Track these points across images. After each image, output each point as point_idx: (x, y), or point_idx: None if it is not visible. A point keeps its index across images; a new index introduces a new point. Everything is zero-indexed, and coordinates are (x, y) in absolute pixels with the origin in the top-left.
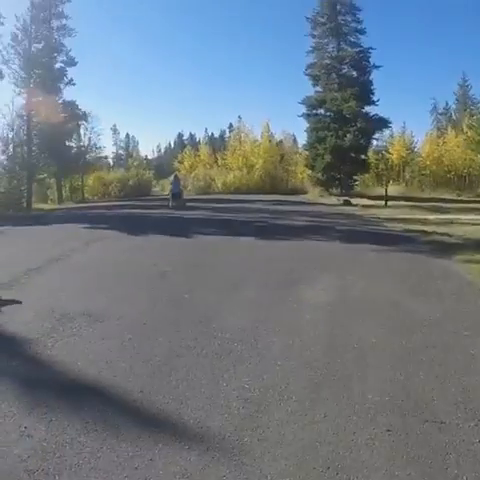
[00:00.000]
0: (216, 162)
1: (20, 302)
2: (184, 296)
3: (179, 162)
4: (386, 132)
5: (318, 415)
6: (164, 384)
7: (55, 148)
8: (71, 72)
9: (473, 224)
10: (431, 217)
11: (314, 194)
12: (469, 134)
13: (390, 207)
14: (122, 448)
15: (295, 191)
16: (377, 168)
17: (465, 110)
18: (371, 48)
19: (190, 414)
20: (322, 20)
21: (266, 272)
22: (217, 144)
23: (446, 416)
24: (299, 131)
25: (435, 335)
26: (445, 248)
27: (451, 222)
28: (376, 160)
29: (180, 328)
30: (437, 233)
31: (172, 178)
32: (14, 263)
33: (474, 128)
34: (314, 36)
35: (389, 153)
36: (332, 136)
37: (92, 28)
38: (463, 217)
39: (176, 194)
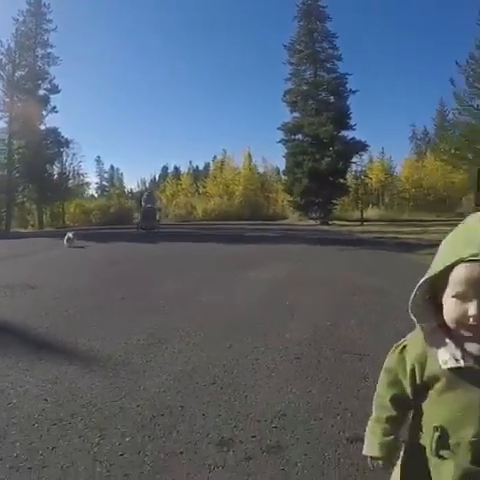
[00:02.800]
0: (197, 190)
1: None
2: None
3: (161, 191)
4: (365, 157)
5: (223, 346)
6: (72, 323)
7: (36, 173)
8: (55, 100)
9: (446, 233)
10: (406, 229)
11: (293, 219)
12: (444, 147)
13: (366, 226)
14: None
15: (275, 217)
16: (356, 192)
17: (443, 135)
18: (347, 74)
19: (86, 343)
20: (299, 48)
21: (228, 263)
22: (201, 176)
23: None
24: (280, 158)
25: (362, 296)
26: (410, 248)
27: (424, 232)
28: (355, 184)
29: (100, 293)
30: (407, 239)
31: (145, 195)
32: None
33: (448, 140)
34: (291, 63)
35: (368, 177)
36: (309, 160)
37: (78, 61)
38: (438, 229)
39: (149, 212)
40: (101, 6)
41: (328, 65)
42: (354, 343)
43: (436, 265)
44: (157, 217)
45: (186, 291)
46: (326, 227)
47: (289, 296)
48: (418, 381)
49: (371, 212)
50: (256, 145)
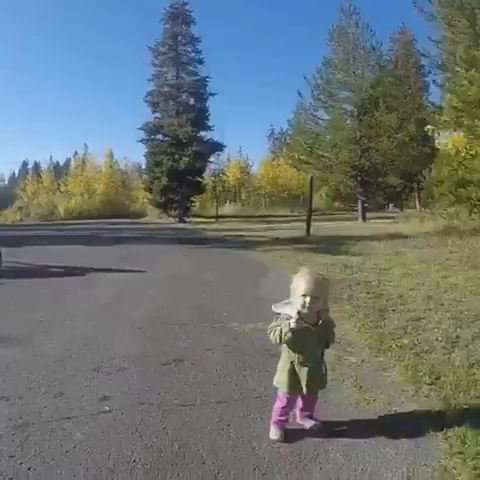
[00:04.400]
0: (58, 188)
1: None
2: None
3: (21, 189)
4: (224, 156)
5: (90, 325)
6: None
7: None
8: None
9: (289, 229)
10: (254, 227)
11: (153, 216)
12: (291, 154)
13: (220, 222)
14: None
15: (136, 215)
16: (214, 190)
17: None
18: (208, 77)
19: None
20: (163, 50)
21: (87, 265)
22: (62, 171)
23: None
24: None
25: (195, 287)
26: (251, 244)
27: (270, 229)
28: (213, 182)
29: None
30: (251, 236)
31: None
32: None
33: (294, 147)
34: (155, 65)
35: (225, 175)
36: (168, 160)
37: None
38: (284, 225)
39: None
40: None
41: (190, 68)
42: (179, 319)
43: (295, 299)
44: None
45: (56, 290)
46: (182, 225)
47: (137, 289)
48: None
49: (228, 209)
50: (118, 142)
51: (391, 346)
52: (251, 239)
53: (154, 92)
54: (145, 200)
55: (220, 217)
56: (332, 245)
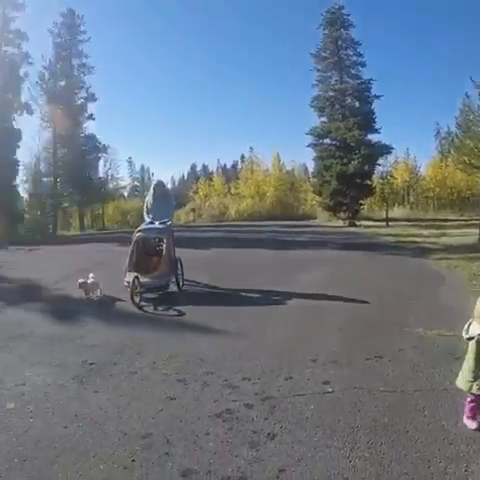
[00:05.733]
0: (229, 191)
1: None
2: None
3: (194, 192)
4: (390, 158)
5: (296, 328)
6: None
7: (78, 178)
8: (91, 107)
9: (461, 235)
10: (425, 232)
11: (322, 218)
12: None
13: (391, 227)
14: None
15: (305, 217)
16: (382, 192)
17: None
18: (372, 79)
19: (217, 325)
20: (325, 55)
21: (277, 266)
22: (229, 174)
23: (379, 325)
24: (309, 160)
25: (383, 292)
26: (426, 252)
27: (443, 235)
28: (381, 185)
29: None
30: (425, 242)
31: (151, 191)
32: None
33: (461, 150)
34: (318, 70)
35: (393, 177)
36: (337, 163)
37: (109, 67)
38: (455, 231)
39: (151, 244)
40: (130, 10)
41: (353, 71)
42: (371, 321)
43: None
44: (171, 254)
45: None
46: (353, 229)
47: (329, 293)
48: None
49: (397, 212)
50: (284, 145)
51: None
52: (424, 246)
53: (319, 97)
54: (313, 202)
55: (390, 220)
56: None
